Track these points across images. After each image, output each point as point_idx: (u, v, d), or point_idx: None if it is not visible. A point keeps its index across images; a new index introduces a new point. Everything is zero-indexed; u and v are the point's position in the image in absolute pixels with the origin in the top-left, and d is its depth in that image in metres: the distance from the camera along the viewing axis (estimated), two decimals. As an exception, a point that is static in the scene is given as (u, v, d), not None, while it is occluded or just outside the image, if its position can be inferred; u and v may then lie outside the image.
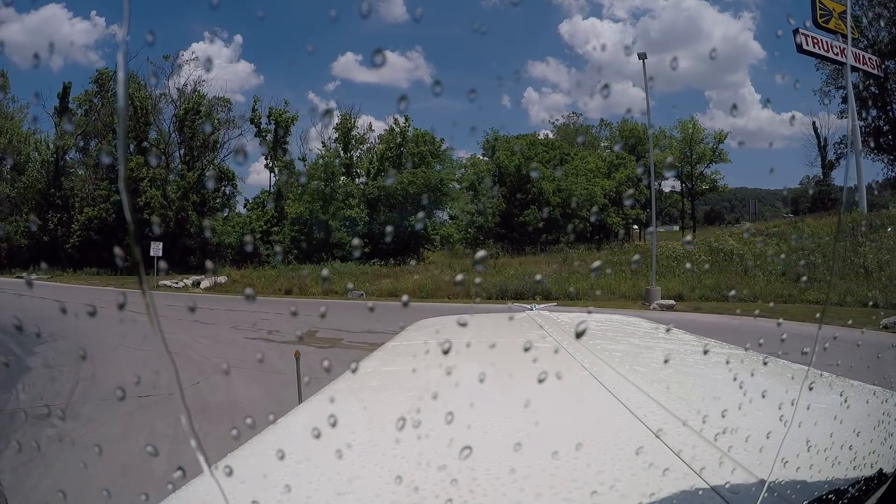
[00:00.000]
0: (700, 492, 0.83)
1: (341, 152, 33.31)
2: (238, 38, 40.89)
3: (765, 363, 1.63)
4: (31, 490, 3.92)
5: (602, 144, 38.58)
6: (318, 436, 0.96)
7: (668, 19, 45.96)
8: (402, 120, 32.95)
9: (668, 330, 2.81)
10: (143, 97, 30.85)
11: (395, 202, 31.03)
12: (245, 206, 33.82)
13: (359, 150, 34.17)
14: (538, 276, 23.65)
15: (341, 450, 0.95)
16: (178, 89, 32.68)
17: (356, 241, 24.58)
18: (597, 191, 31.12)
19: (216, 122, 33.25)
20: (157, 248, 22.98)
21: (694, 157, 36.94)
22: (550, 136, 38.45)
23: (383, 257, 27.49)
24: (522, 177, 31.48)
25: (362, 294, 20.35)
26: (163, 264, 25.64)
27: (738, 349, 1.93)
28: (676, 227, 40.36)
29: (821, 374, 1.49)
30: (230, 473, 0.88)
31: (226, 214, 33.26)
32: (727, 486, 0.83)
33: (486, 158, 35.08)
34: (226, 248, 29.60)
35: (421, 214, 36.34)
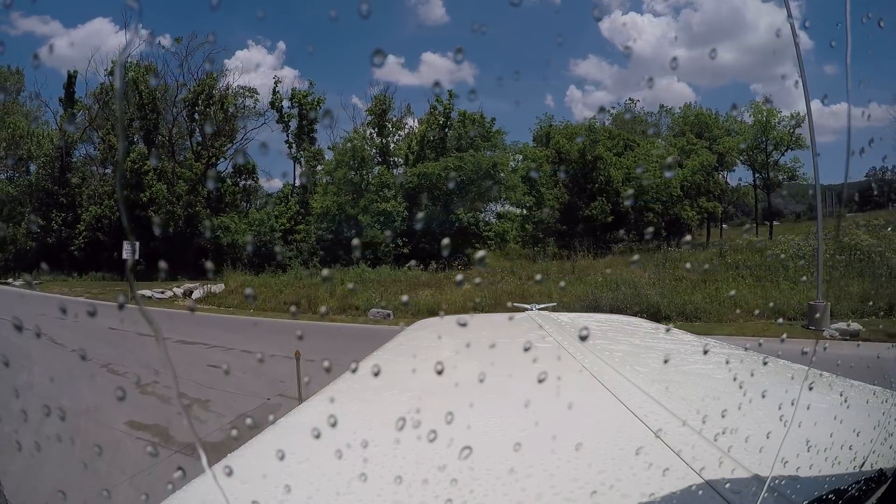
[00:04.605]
0: (700, 491, 0.83)
1: (375, 137, 28.59)
2: (281, 45, 40.76)
3: (765, 363, 1.63)
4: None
5: (662, 133, 34.53)
6: (318, 436, 0.96)
7: (710, 11, 44.93)
8: (445, 97, 27.61)
9: (667, 330, 2.82)
10: (147, 81, 27.87)
11: (438, 193, 25.58)
12: (266, 202, 30.70)
13: (396, 136, 29.36)
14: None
15: (341, 450, 0.95)
16: (191, 74, 29.33)
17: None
18: (672, 180, 26.99)
19: (233, 106, 29.80)
20: (128, 250, 15.99)
21: (769, 142, 31.35)
22: (606, 124, 33.95)
23: (424, 259, 22.21)
24: (587, 163, 27.09)
25: (390, 314, 14.84)
26: (162, 265, 21.64)
27: (738, 349, 1.94)
28: (755, 224, 34.39)
29: (821, 374, 1.49)
30: (230, 473, 0.88)
31: (246, 211, 29.85)
32: (727, 485, 0.83)
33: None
34: (241, 250, 25.95)
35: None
